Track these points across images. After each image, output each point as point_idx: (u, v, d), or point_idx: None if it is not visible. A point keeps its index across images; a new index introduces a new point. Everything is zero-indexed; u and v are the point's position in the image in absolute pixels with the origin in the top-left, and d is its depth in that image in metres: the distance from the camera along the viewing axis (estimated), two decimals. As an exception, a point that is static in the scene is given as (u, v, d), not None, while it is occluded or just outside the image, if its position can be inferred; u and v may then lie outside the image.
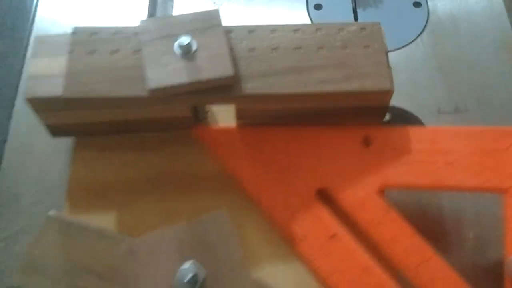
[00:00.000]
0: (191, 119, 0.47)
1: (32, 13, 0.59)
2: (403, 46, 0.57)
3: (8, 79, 0.55)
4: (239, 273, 0.35)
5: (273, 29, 0.45)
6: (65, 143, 0.50)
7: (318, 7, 0.59)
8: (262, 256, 0.43)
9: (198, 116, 0.49)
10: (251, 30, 0.45)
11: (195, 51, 0.42)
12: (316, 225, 0.43)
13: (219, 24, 0.43)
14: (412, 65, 0.56)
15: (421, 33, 0.58)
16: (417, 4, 0.59)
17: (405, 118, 0.53)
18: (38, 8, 0.60)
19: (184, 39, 0.41)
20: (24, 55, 0.56)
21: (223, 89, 0.42)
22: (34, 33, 0.57)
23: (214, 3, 0.60)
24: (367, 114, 0.46)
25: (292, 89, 0.42)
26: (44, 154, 0.51)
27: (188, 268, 0.34)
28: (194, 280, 0.34)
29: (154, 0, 0.59)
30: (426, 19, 0.58)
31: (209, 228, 0.36)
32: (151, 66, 0.41)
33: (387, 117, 0.53)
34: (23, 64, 0.56)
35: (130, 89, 0.42)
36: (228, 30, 0.45)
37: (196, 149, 0.48)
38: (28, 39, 0.57)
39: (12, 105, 0.54)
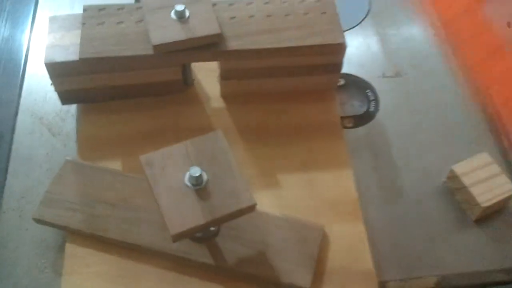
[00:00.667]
0: (181, 83, 0.57)
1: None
2: (350, 28, 0.69)
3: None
4: (234, 175, 0.44)
5: (249, 2, 0.56)
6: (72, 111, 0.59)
7: None
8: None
9: (187, 82, 0.59)
10: (230, 3, 0.55)
11: (188, 17, 0.52)
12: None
13: (206, -3, 0.54)
14: (359, 41, 0.68)
15: (366, 16, 0.70)
16: (360, -4, 0.72)
17: (356, 82, 0.64)
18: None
19: (179, 7, 0.51)
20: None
21: (212, 46, 0.52)
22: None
23: None
24: (327, 71, 0.57)
25: (267, 45, 0.53)
26: (53, 122, 0.59)
27: (194, 171, 0.43)
28: (200, 180, 0.43)
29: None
30: (368, 8, 0.71)
31: (209, 143, 0.45)
32: (154, 28, 0.51)
33: (342, 82, 0.64)
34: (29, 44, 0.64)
35: (137, 49, 0.52)
36: (213, 4, 0.55)
37: (184, 107, 0.58)
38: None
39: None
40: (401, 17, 0.70)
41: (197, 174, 0.42)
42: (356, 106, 0.63)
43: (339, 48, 0.53)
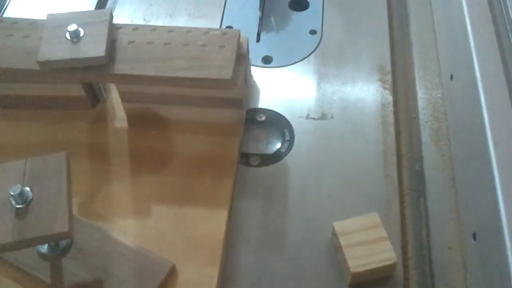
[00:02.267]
0: (87, 100, 0.58)
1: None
2: (293, 63, 0.67)
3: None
4: (60, 201, 0.44)
5: (153, 28, 0.56)
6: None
7: (229, 28, 0.70)
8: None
9: (98, 99, 0.60)
10: (135, 28, 0.56)
11: (81, 37, 0.53)
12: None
13: (107, 20, 0.54)
14: (296, 78, 0.65)
15: (310, 54, 0.67)
16: (312, 32, 0.69)
17: (277, 120, 0.62)
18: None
19: (72, 27, 0.52)
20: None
21: (99, 68, 0.53)
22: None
23: (144, 19, 0.72)
24: (226, 105, 0.55)
25: (152, 72, 0.52)
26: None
27: (14, 189, 0.43)
28: (21, 199, 0.43)
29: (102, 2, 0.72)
30: (317, 44, 0.68)
31: (47, 164, 0.46)
32: (44, 46, 0.53)
33: (263, 117, 0.62)
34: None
35: (27, 63, 0.53)
36: (118, 27, 0.56)
37: (87, 124, 0.59)
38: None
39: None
40: (348, 59, 0.66)
41: (17, 193, 0.43)
42: (270, 145, 0.60)
43: (226, 84, 0.52)
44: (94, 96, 0.59)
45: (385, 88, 0.64)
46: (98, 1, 0.73)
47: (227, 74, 0.51)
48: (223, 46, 0.54)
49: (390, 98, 0.63)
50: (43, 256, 0.49)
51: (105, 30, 0.53)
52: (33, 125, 0.60)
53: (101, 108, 0.60)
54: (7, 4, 0.74)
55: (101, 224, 0.51)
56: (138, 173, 0.55)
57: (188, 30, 0.55)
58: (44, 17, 0.56)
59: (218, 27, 0.71)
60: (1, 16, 0.73)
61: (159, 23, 0.71)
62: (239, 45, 0.54)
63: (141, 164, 0.56)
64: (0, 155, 0.56)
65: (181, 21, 0.71)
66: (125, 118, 0.59)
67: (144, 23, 0.71)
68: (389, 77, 0.65)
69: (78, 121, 0.59)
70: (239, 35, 0.55)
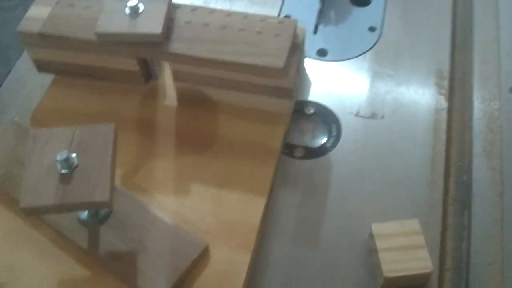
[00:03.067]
0: (140, 75, 0.59)
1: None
2: (349, 59, 0.66)
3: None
4: (103, 170, 0.45)
5: (211, 11, 0.56)
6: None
7: (287, 17, 0.70)
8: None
9: (151, 75, 0.61)
10: (193, 9, 0.56)
11: (141, 13, 0.54)
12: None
13: (167, -3, 0.55)
14: (350, 74, 0.64)
15: (367, 51, 0.66)
16: (372, 29, 0.68)
17: (325, 114, 0.61)
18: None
19: (132, 2, 0.53)
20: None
21: (154, 45, 0.53)
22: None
23: (204, 1, 0.72)
24: (276, 94, 0.55)
25: (206, 54, 0.52)
26: (33, 88, 0.64)
27: (61, 154, 0.44)
28: (66, 164, 0.44)
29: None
30: (375, 42, 0.67)
31: (95, 133, 0.47)
32: (103, 18, 0.54)
33: (311, 110, 0.62)
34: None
35: (85, 34, 0.54)
36: (176, 6, 0.56)
37: (139, 99, 0.60)
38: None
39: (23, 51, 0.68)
40: (406, 60, 0.65)
41: (63, 158, 0.44)
42: (316, 139, 0.60)
43: (277, 73, 0.51)
44: (148, 72, 0.60)
45: (440, 94, 0.62)
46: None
47: (279, 63, 0.51)
48: (278, 35, 0.53)
49: (445, 104, 0.61)
50: (82, 222, 0.50)
51: (164, 8, 0.54)
52: (85, 94, 0.61)
53: (153, 85, 0.61)
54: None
55: (141, 197, 0.52)
56: (182, 152, 0.56)
57: (245, 16, 0.55)
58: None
59: (277, 15, 0.70)
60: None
61: (218, 6, 0.71)
62: (295, 35, 0.54)
63: (186, 144, 0.56)
64: (50, 119, 0.58)
65: (240, 6, 0.71)
66: (175, 97, 0.59)
67: (204, 5, 0.72)
68: (446, 83, 0.63)
69: (129, 94, 0.60)
70: (296, 25, 0.54)
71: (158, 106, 0.59)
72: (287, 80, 0.53)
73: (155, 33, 0.52)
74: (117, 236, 0.49)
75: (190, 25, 0.54)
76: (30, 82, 0.65)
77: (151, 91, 0.60)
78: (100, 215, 0.50)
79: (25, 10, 0.70)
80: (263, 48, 0.52)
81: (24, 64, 0.67)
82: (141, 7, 0.54)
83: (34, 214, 0.47)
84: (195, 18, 0.55)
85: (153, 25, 0.52)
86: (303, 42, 0.56)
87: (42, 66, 0.61)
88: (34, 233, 0.51)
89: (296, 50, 0.54)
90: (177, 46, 0.53)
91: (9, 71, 0.66)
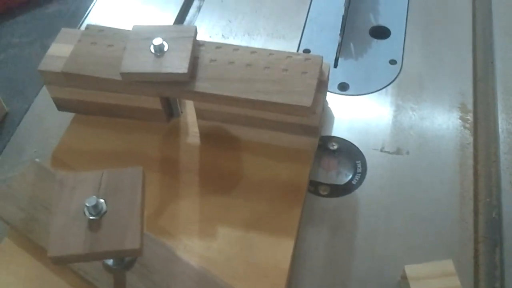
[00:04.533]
0: (163, 113, 0.58)
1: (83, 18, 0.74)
2: (370, 93, 0.65)
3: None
4: (133, 215, 0.44)
5: (235, 48, 0.55)
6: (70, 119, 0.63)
7: (306, 51, 0.69)
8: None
9: (173, 113, 0.60)
10: (218, 46, 0.56)
11: (166, 52, 0.53)
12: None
13: (191, 36, 0.54)
14: (372, 109, 0.63)
15: (388, 84, 0.66)
16: (392, 62, 0.68)
17: (349, 150, 0.60)
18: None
19: (157, 40, 0.53)
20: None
21: (179, 84, 0.53)
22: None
23: (223, 35, 0.72)
24: (301, 132, 0.54)
25: (233, 93, 0.52)
26: (52, 126, 0.63)
27: (90, 200, 0.43)
28: (95, 210, 0.43)
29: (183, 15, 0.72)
30: (397, 74, 0.66)
31: (123, 177, 0.46)
32: (128, 57, 0.53)
33: (335, 146, 0.61)
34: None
35: (110, 73, 0.54)
36: (201, 44, 0.56)
37: (161, 137, 0.59)
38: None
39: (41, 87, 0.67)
40: (428, 93, 0.64)
41: (92, 204, 0.43)
42: (341, 175, 0.59)
43: (304, 111, 0.50)
44: (170, 110, 0.59)
45: (465, 128, 0.61)
46: (178, 14, 0.73)
47: (307, 101, 0.50)
48: (305, 72, 0.52)
49: (470, 139, 0.60)
50: (107, 267, 0.49)
51: (189, 46, 0.53)
52: (106, 131, 0.60)
53: (175, 122, 0.60)
54: (88, 12, 0.75)
55: (166, 240, 0.51)
56: (207, 192, 0.55)
57: (271, 53, 0.54)
58: (125, 27, 0.56)
59: (296, 49, 0.70)
60: (82, 23, 0.74)
61: (237, 41, 0.71)
62: (320, 72, 0.53)
63: (210, 183, 0.55)
64: (71, 159, 0.57)
65: (259, 41, 0.71)
66: (198, 134, 0.59)
67: (223, 39, 0.71)
68: (470, 116, 0.62)
69: (151, 133, 0.59)
70: (322, 61, 0.53)
71: (181, 144, 0.58)
72: (313, 118, 0.53)
73: (181, 73, 0.51)
74: (143, 282, 0.48)
75: (215, 64, 0.54)
76: (49, 120, 0.64)
77: (173, 129, 0.60)
78: (126, 260, 0.49)
79: (42, 46, 0.70)
80: (290, 86, 0.51)
81: (42, 101, 0.66)
82: (166, 46, 0.53)
83: (62, 263, 0.45)
84: (219, 56, 0.54)
85: (179, 64, 0.52)
86: (328, 79, 0.55)
87: (62, 105, 0.60)
88: (57, 280, 0.50)
89: (322, 87, 0.53)
90: (202, 85, 0.52)
91: (27, 109, 0.65)
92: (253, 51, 0.55)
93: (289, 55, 0.54)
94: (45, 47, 0.70)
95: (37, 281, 0.50)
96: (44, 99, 0.66)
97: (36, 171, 0.55)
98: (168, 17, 0.73)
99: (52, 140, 0.62)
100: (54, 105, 0.63)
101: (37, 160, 0.56)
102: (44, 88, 0.67)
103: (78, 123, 0.61)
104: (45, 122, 0.64)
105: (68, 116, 0.63)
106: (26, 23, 0.74)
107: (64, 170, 0.56)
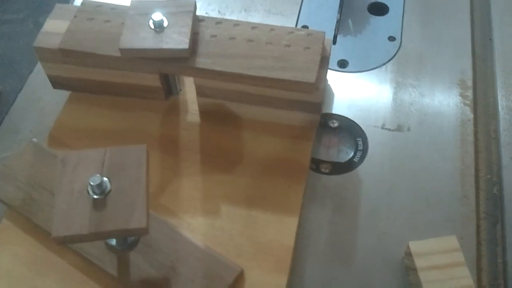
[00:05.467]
0: (162, 91, 0.57)
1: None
2: (370, 69, 0.65)
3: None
4: (138, 194, 0.43)
5: (236, 24, 0.54)
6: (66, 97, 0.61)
7: (305, 27, 0.68)
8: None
9: (171, 91, 0.59)
10: (218, 22, 0.54)
11: (165, 27, 0.52)
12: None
13: (191, 11, 0.53)
14: (372, 86, 0.63)
15: (388, 61, 0.65)
16: (391, 38, 0.67)
17: (350, 127, 0.60)
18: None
19: (157, 16, 0.51)
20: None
21: (180, 60, 0.51)
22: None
23: (219, 11, 0.71)
24: (303, 108, 0.54)
25: (235, 70, 0.51)
26: (48, 104, 0.62)
27: (94, 179, 0.42)
28: (99, 189, 0.42)
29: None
30: (396, 51, 0.66)
31: (127, 155, 0.45)
32: (127, 33, 0.52)
33: (336, 124, 0.60)
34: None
35: (108, 49, 0.52)
36: (200, 19, 0.54)
37: (160, 115, 0.58)
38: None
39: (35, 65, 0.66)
40: (428, 70, 0.64)
41: (96, 183, 0.42)
42: (342, 153, 0.58)
43: (308, 88, 0.50)
44: (169, 87, 0.58)
45: (465, 104, 0.61)
46: (173, -11, 0.71)
47: (311, 77, 0.49)
48: (308, 48, 0.52)
49: (470, 115, 0.60)
50: (110, 247, 0.48)
51: (189, 21, 0.52)
52: (103, 110, 0.59)
53: (173, 100, 0.59)
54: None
55: (168, 219, 0.50)
56: (208, 170, 0.54)
57: (272, 28, 0.53)
58: (120, 3, 0.55)
59: (294, 25, 0.69)
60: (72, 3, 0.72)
61: (234, 16, 0.70)
62: (323, 47, 0.52)
63: (212, 161, 0.54)
64: (69, 137, 0.56)
65: (256, 17, 0.70)
66: (198, 112, 0.58)
67: (219, 15, 0.70)
68: (470, 93, 0.62)
69: (149, 111, 0.58)
70: (324, 37, 0.53)
71: (181, 122, 0.57)
72: (316, 94, 0.52)
73: (182, 48, 0.50)
74: (147, 261, 0.47)
75: (216, 39, 0.52)
76: (44, 98, 0.63)
77: (171, 107, 0.59)
78: (129, 240, 0.48)
79: (34, 23, 0.68)
80: (293, 62, 0.51)
81: (36, 79, 0.64)
82: (166, 21, 0.52)
83: (67, 244, 0.44)
84: (220, 32, 0.53)
85: (180, 40, 0.50)
86: (329, 55, 0.54)
87: (57, 83, 0.59)
88: (59, 261, 0.49)
89: (324, 63, 0.53)
90: (204, 61, 0.51)
91: (21, 87, 0.63)
92: (254, 26, 0.54)
93: (291, 31, 0.53)
94: (38, 24, 0.69)
95: (37, 262, 0.49)
96: (38, 77, 0.64)
97: (34, 151, 0.54)
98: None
99: (48, 118, 0.60)
100: (49, 83, 0.61)
101: (34, 139, 0.55)
102: (39, 65, 0.65)
103: (74, 102, 0.59)
104: (40, 100, 0.63)
105: (64, 94, 0.61)
106: (17, 1, 0.72)
107: (61, 149, 0.55)
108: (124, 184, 0.43)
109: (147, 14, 0.52)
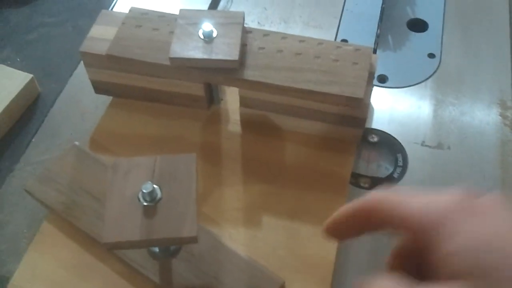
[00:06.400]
0: (204, 100, 0.57)
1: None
2: (409, 86, 0.65)
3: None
4: (189, 203, 0.43)
5: (283, 36, 0.54)
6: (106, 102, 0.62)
7: (344, 41, 0.68)
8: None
9: (213, 100, 0.59)
10: (266, 34, 0.55)
11: (214, 38, 0.52)
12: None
13: (240, 22, 0.53)
14: (412, 102, 0.63)
15: (428, 78, 0.65)
16: (431, 55, 0.67)
17: (390, 143, 0.60)
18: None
19: (207, 26, 0.52)
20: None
21: (228, 71, 0.52)
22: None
23: (258, 22, 0.71)
24: (347, 123, 0.54)
25: (283, 82, 0.51)
26: (87, 108, 0.62)
27: (146, 186, 0.42)
28: (151, 197, 0.43)
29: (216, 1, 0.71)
30: (436, 68, 0.66)
31: (177, 164, 0.45)
32: (177, 42, 0.52)
33: (375, 138, 0.60)
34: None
35: (157, 58, 0.53)
36: (248, 31, 0.55)
37: (202, 124, 0.58)
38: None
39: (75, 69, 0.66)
40: (468, 88, 0.64)
41: (148, 190, 0.42)
42: (381, 168, 0.58)
43: (356, 103, 0.50)
44: (211, 96, 0.58)
45: (505, 125, 0.61)
46: (212, 1, 0.72)
47: (360, 92, 0.50)
48: (356, 63, 0.52)
49: (511, 136, 0.60)
50: (153, 254, 0.48)
51: (238, 33, 0.52)
52: (144, 116, 0.59)
53: (215, 110, 0.59)
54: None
55: (210, 228, 0.50)
56: (250, 181, 0.54)
57: (320, 42, 0.54)
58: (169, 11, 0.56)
59: (333, 39, 0.69)
60: (114, 5, 0.73)
61: (273, 28, 0.70)
62: (370, 63, 0.52)
63: (253, 172, 0.55)
64: (110, 142, 0.56)
65: (295, 29, 0.70)
66: (239, 122, 0.58)
67: (259, 26, 0.70)
68: (510, 113, 0.62)
69: (191, 119, 0.59)
70: (372, 53, 0.53)
71: (222, 131, 0.57)
72: (362, 110, 0.52)
73: (232, 59, 0.50)
74: (190, 270, 0.48)
75: (264, 51, 0.53)
76: (84, 102, 0.63)
77: (213, 116, 0.59)
78: (172, 247, 0.48)
79: (74, 26, 0.69)
80: (341, 76, 0.51)
81: (76, 83, 0.65)
82: (215, 32, 0.52)
83: (116, 249, 0.45)
84: (268, 44, 0.53)
85: (229, 51, 0.51)
86: (375, 71, 0.54)
87: (100, 88, 0.59)
88: (101, 266, 0.49)
89: (371, 79, 0.53)
90: (252, 73, 0.51)
91: (61, 90, 0.64)
92: (302, 39, 0.54)
93: (338, 45, 0.54)
94: (77, 28, 0.70)
95: (80, 267, 0.49)
96: (78, 80, 0.65)
97: (77, 154, 0.54)
98: (200, 3, 0.72)
99: (88, 123, 0.61)
100: (88, 87, 0.61)
101: (76, 143, 0.55)
102: (78, 69, 0.66)
103: (116, 107, 0.60)
104: (80, 104, 0.63)
105: (103, 99, 0.62)
106: (56, 3, 0.73)
107: (103, 154, 0.55)
108: (174, 192, 0.43)
109: (196, 24, 0.53)
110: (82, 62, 0.59)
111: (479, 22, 0.71)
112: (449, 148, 0.59)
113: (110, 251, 0.46)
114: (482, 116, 0.62)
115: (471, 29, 0.70)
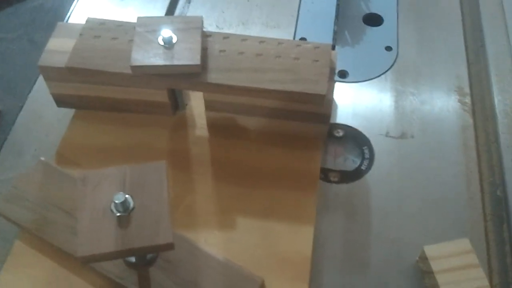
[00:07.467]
0: (169, 106, 0.57)
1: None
2: (370, 79, 0.66)
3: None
4: (161, 210, 0.43)
5: (243, 38, 0.55)
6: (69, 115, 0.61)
7: (303, 39, 0.69)
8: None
9: (178, 106, 0.59)
10: (225, 36, 0.55)
11: (174, 43, 0.52)
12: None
13: (199, 27, 0.54)
14: (373, 95, 0.64)
15: (387, 70, 0.66)
16: (388, 48, 0.69)
17: (355, 136, 0.61)
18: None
19: (166, 32, 0.52)
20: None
21: (191, 76, 0.52)
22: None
23: (217, 26, 0.71)
24: (312, 119, 0.54)
25: (246, 83, 0.51)
26: (50, 123, 0.61)
27: (118, 197, 0.42)
28: (123, 207, 0.42)
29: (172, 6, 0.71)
30: (394, 60, 0.67)
31: (148, 172, 0.45)
32: (137, 50, 0.52)
33: (341, 133, 0.61)
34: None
35: (118, 67, 0.52)
36: (208, 34, 0.55)
37: (168, 131, 0.58)
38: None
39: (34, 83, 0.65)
40: (426, 78, 0.65)
41: (121, 201, 0.42)
42: (348, 161, 0.59)
43: (319, 99, 0.51)
44: (175, 102, 0.58)
45: (464, 110, 0.63)
46: (168, 6, 0.72)
47: (322, 89, 0.50)
48: (316, 60, 0.53)
49: (470, 121, 0.62)
50: (129, 264, 0.48)
51: (198, 37, 0.52)
52: (109, 126, 0.59)
53: (180, 115, 0.59)
54: (72, 11, 0.73)
55: (186, 234, 0.50)
56: (220, 184, 0.54)
57: (280, 42, 0.54)
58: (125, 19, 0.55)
59: (292, 38, 0.70)
60: (69, 16, 0.72)
61: (232, 30, 0.70)
62: (330, 59, 0.53)
63: (223, 175, 0.55)
64: (77, 155, 0.56)
65: (254, 30, 0.71)
66: (205, 126, 0.58)
67: (217, 30, 0.70)
68: (468, 99, 0.64)
69: (157, 126, 0.58)
70: (331, 49, 0.54)
71: (189, 137, 0.57)
72: (325, 106, 0.53)
73: (194, 64, 0.51)
74: (168, 277, 0.47)
75: (225, 54, 0.53)
76: (46, 117, 0.62)
77: (179, 122, 0.59)
78: (149, 256, 0.48)
79: (30, 41, 0.68)
80: (303, 74, 0.52)
81: (37, 98, 0.64)
82: (175, 38, 0.52)
83: (92, 263, 0.44)
84: (228, 47, 0.54)
85: (190, 56, 0.51)
86: (336, 67, 0.55)
87: (62, 101, 0.59)
88: (79, 281, 0.48)
89: (331, 75, 0.54)
90: (215, 76, 0.52)
91: (22, 106, 0.63)
92: (262, 40, 0.54)
93: (298, 44, 0.54)
94: (33, 42, 0.68)
95: (56, 283, 0.48)
96: (38, 95, 0.64)
97: (44, 170, 0.53)
98: (157, 9, 0.72)
99: (52, 137, 0.60)
100: (50, 102, 0.61)
101: (42, 158, 0.54)
102: (37, 84, 0.65)
103: (80, 119, 0.59)
104: (42, 119, 0.62)
105: (66, 112, 0.61)
106: (10, 19, 0.71)
107: (71, 168, 0.55)
108: (147, 201, 0.43)
109: (155, 31, 0.53)
110: (41, 76, 0.58)
111: (432, 12, 0.73)
112: (412, 137, 0.61)
113: (86, 264, 0.45)
114: (442, 103, 0.64)
115: (424, 19, 0.72)
